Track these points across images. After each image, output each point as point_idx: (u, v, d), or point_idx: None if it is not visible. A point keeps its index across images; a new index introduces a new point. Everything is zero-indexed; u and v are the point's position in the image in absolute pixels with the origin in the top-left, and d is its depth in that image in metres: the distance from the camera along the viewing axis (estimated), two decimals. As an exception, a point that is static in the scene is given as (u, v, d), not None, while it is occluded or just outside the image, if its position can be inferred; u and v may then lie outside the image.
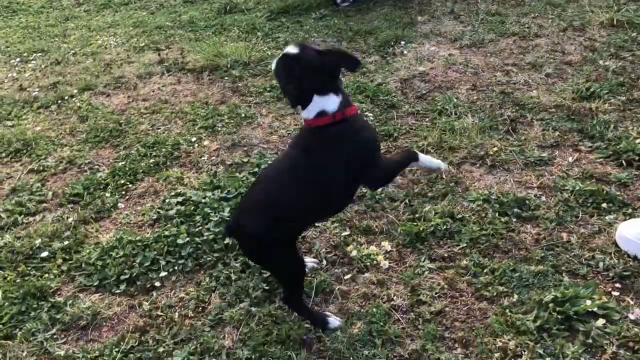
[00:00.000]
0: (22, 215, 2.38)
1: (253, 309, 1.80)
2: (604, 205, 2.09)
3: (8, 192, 2.55)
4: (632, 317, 1.65)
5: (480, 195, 2.20)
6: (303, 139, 1.63)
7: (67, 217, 2.33)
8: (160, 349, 1.70)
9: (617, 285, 1.77)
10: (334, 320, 1.71)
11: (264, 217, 1.56)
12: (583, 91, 2.80)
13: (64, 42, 4.30)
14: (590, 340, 1.59)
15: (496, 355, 1.58)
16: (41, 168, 2.70)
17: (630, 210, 2.07)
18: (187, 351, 1.67)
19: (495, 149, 2.47)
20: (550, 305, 1.68)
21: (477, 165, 2.41)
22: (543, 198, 2.17)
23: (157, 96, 3.31)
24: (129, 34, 4.34)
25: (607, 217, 2.03)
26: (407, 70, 3.29)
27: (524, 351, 1.58)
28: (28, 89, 3.52)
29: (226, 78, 3.43)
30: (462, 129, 2.62)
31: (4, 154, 2.84)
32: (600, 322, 1.62)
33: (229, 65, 3.55)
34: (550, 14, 3.84)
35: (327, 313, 1.74)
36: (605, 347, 1.57)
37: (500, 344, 1.61)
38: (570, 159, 2.37)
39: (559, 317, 1.65)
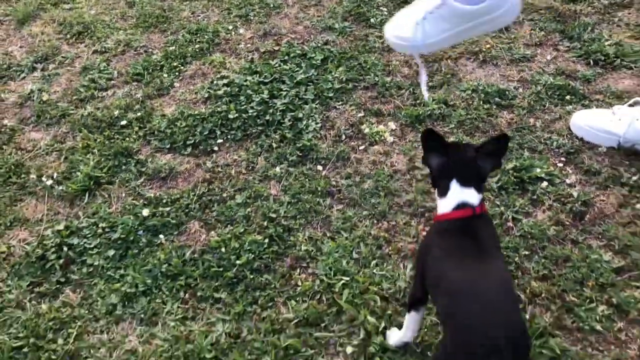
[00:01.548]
0: (97, 90, 2.92)
1: (290, 168, 2.41)
2: (567, 97, 2.61)
3: (80, 70, 3.07)
4: (568, 181, 2.26)
5: (470, 86, 2.71)
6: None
7: (135, 93, 2.88)
8: (224, 194, 2.34)
9: (563, 159, 2.35)
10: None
11: None
12: (572, -6, 3.20)
13: None
14: (535, 197, 2.21)
15: (466, 205, 2.21)
16: (103, 49, 3.19)
17: (587, 102, 2.59)
18: (245, 196, 2.31)
19: (488, 46, 2.94)
20: (510, 171, 2.28)
21: (472, 60, 2.90)
22: (520, 90, 2.69)
23: (193, -17, 3.68)
24: None
25: (567, 107, 2.57)
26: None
27: (486, 202, 2.21)
28: (75, -28, 3.88)
29: (254, -33, 3.77)
30: (462, 27, 3.06)
31: (69, 36, 3.31)
32: (545, 184, 2.24)
33: (256, -46, 3.86)
34: None
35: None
36: (545, 201, 2.20)
37: (470, 197, 2.24)
38: (548, 57, 2.86)
39: (516, 180, 2.26)
